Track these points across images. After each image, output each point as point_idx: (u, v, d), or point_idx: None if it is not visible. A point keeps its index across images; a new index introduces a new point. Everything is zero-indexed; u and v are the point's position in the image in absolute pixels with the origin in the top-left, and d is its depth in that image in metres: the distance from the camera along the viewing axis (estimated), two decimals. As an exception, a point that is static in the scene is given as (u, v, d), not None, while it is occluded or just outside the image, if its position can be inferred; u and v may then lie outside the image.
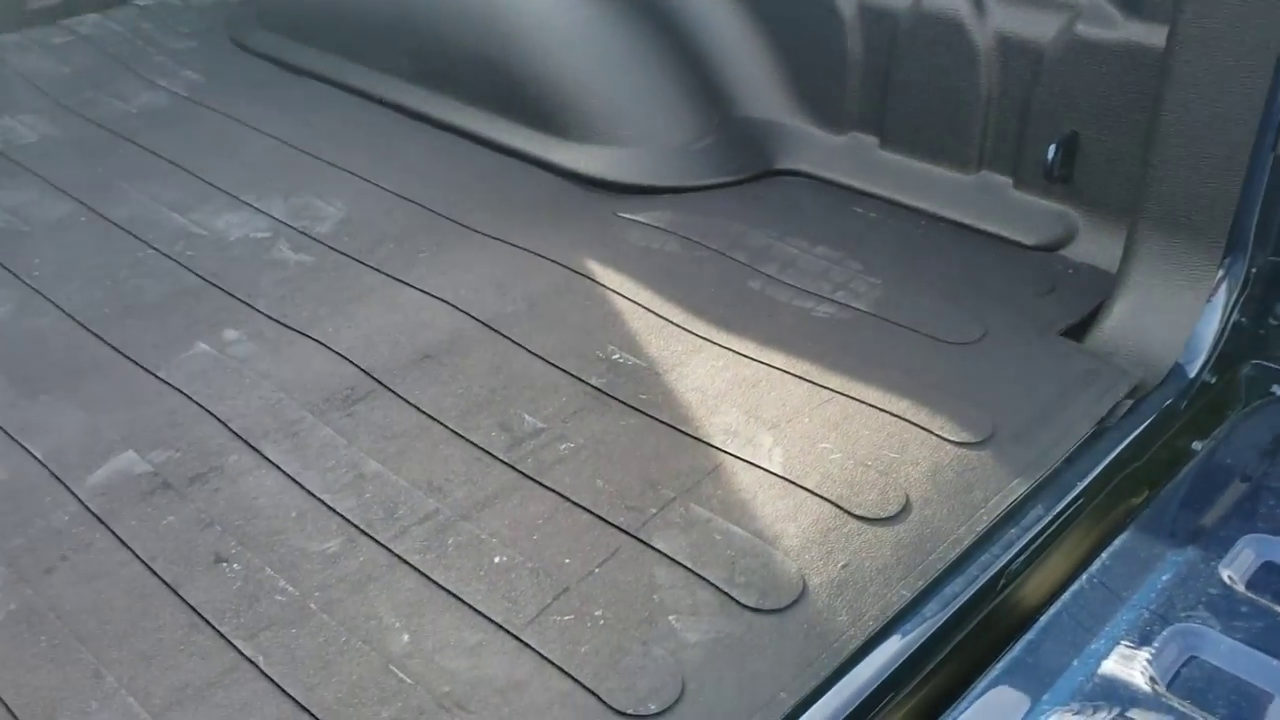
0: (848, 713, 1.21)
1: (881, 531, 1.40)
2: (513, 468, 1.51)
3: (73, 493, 1.48)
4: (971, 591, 1.35)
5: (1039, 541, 1.43)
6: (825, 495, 1.45)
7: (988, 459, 1.51)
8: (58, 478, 1.50)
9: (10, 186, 2.26)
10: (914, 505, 1.44)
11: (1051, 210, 1.99)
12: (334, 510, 1.45)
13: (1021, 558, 1.41)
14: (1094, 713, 1.16)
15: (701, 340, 1.76)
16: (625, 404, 1.63)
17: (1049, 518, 1.45)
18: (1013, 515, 1.45)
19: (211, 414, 1.62)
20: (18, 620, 1.29)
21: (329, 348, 1.75)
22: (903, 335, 1.76)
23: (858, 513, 1.42)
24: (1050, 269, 1.93)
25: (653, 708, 1.18)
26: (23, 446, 1.56)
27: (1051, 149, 1.90)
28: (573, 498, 1.46)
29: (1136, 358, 1.69)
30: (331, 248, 2.03)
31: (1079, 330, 1.79)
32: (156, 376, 1.70)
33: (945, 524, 1.42)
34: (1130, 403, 1.62)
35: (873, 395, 1.62)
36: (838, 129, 2.25)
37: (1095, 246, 1.93)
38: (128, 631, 1.28)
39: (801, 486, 1.47)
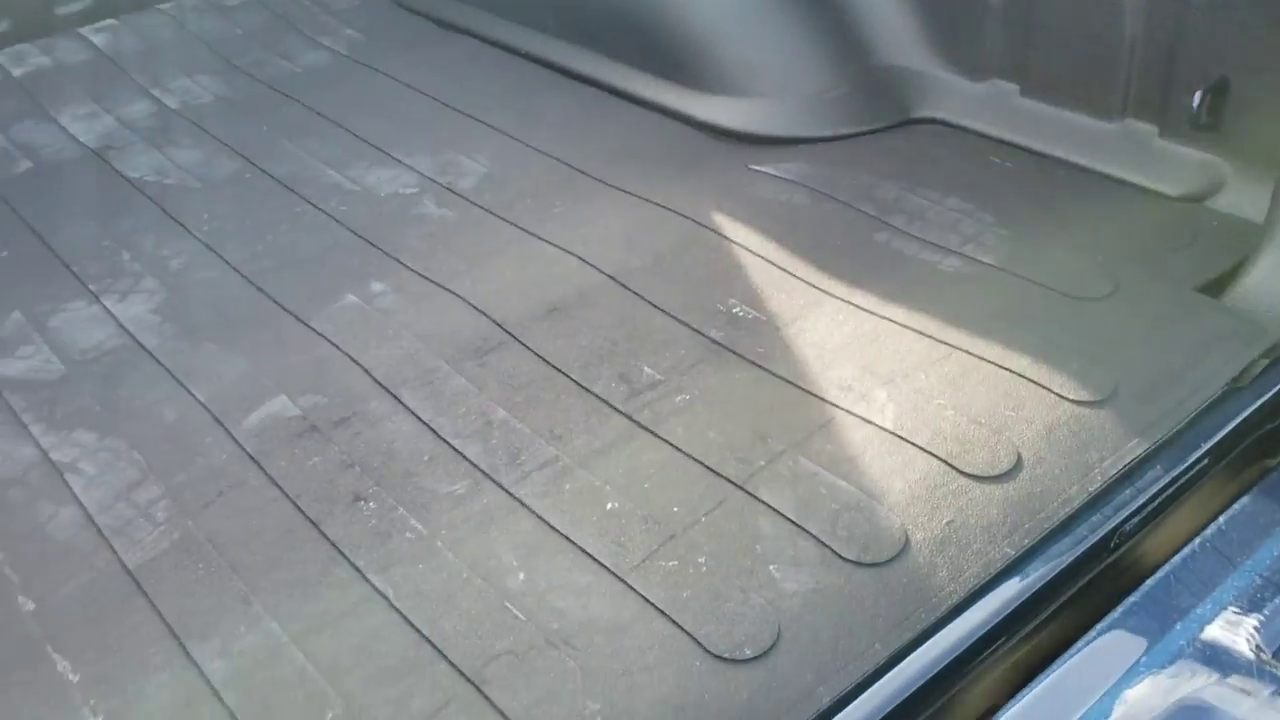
0: (940, 668, 1.23)
1: (990, 489, 1.41)
2: (630, 418, 1.58)
3: (230, 434, 1.61)
4: (1078, 552, 1.35)
5: (1155, 504, 1.41)
6: (935, 452, 1.46)
7: (1107, 418, 1.49)
8: (218, 420, 1.64)
9: (187, 145, 2.44)
10: (1025, 464, 1.44)
11: (1197, 159, 1.91)
12: (463, 455, 1.55)
13: (1135, 520, 1.39)
14: (1192, 677, 1.16)
15: (823, 294, 1.78)
16: (742, 357, 1.66)
17: (1167, 480, 1.42)
18: (1129, 476, 1.43)
19: (356, 362, 1.73)
20: (180, 549, 1.44)
21: (465, 300, 1.84)
22: (1029, 290, 1.74)
23: (967, 470, 1.43)
24: (1193, 221, 1.86)
25: (748, 653, 1.23)
26: (188, 391, 1.71)
27: (1197, 95, 1.83)
28: (685, 449, 1.51)
29: (1278, 314, 1.63)
30: (473, 203, 2.12)
31: (1219, 286, 1.72)
32: (309, 326, 1.83)
33: (1057, 483, 1.41)
34: (1266, 362, 1.56)
35: (992, 352, 1.61)
36: (977, 76, 2.20)
37: (1242, 197, 1.85)
38: (275, 562, 1.41)
39: (911, 443, 1.48)
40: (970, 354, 1.62)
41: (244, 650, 1.30)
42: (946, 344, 1.64)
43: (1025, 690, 1.17)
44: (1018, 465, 1.44)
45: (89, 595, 1.39)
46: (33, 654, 1.32)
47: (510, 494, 1.48)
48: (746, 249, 1.90)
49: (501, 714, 1.19)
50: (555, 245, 1.96)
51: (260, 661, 1.28)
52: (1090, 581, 1.36)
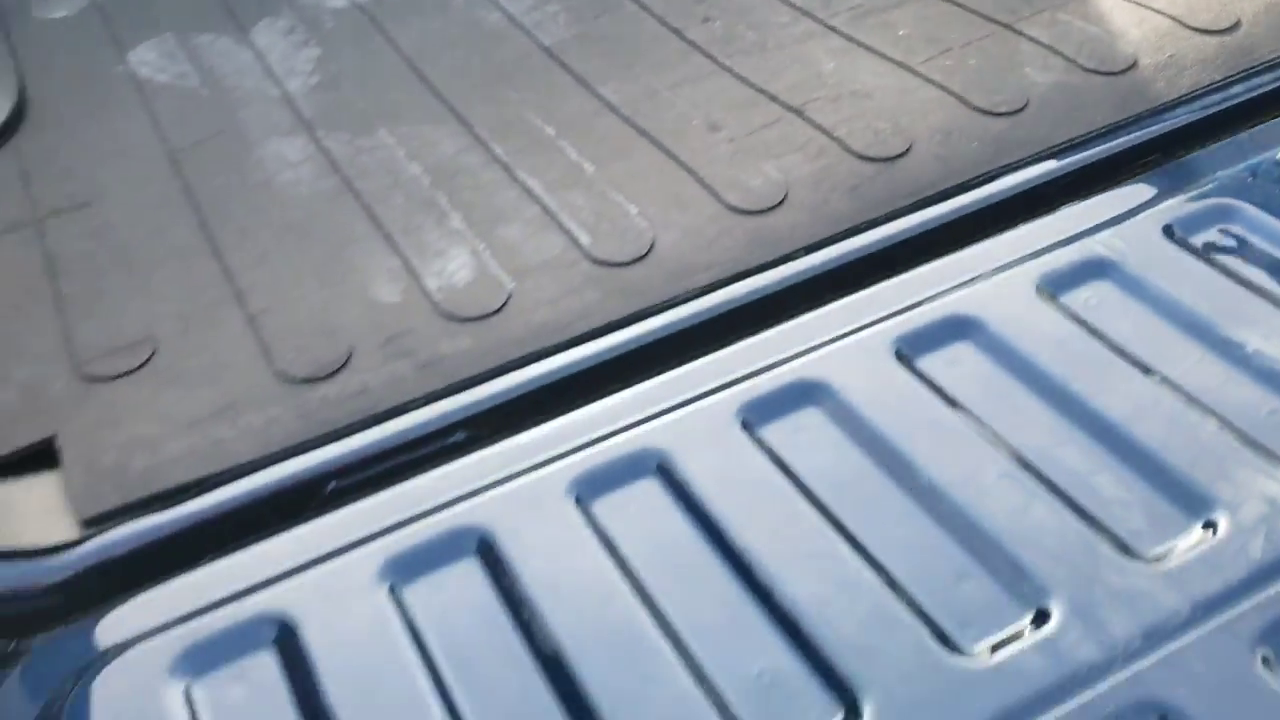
0: (1140, 141, 1.64)
1: (1208, 39, 1.77)
2: (919, -11, 2.00)
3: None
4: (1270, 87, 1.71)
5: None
6: (1167, 12, 1.83)
7: (1321, 4, 1.82)
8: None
9: None
10: (1244, 25, 1.79)
11: None
12: (786, 1, 2.01)
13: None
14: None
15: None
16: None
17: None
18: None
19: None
20: (579, 39, 1.98)
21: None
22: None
23: (1192, 24, 1.80)
24: None
25: (1002, 109, 1.67)
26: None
27: None
28: (964, 4, 1.93)
29: None
30: None
31: None
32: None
33: (1268, 41, 1.76)
34: None
35: None
36: None
37: None
38: (645, 54, 1.93)
39: (1149, 7, 1.86)
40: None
41: (625, 90, 1.83)
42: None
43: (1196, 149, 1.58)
44: (1236, 25, 1.79)
45: (517, 59, 1.95)
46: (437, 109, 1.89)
47: (822, 23, 1.94)
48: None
49: (819, 128, 1.69)
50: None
51: (643, 97, 1.81)
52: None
